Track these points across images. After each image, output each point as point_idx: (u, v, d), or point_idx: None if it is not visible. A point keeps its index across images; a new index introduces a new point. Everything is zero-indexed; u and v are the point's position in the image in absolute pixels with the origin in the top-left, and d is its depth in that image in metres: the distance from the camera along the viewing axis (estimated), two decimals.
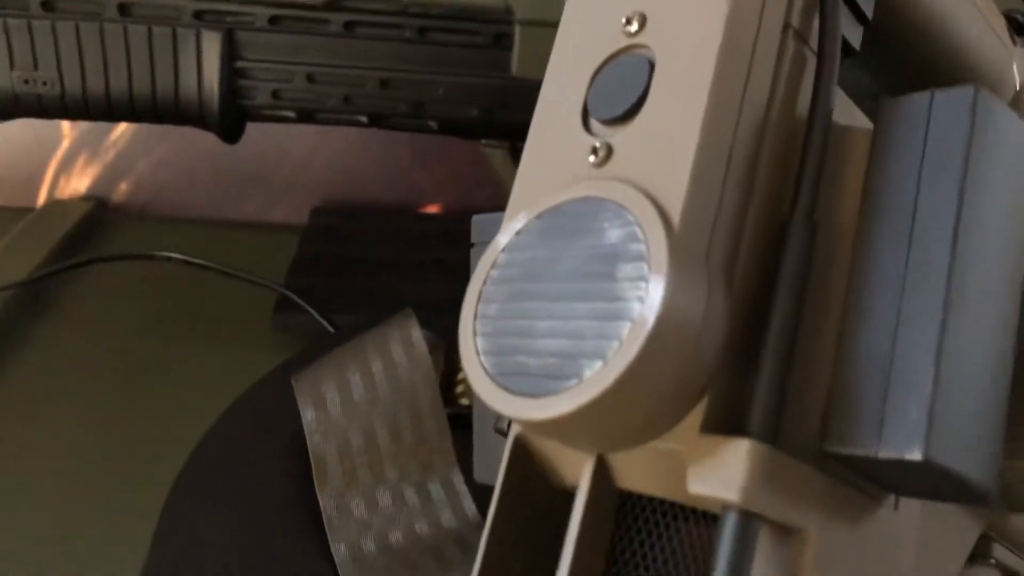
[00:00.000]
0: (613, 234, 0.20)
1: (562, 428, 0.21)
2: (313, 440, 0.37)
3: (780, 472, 0.21)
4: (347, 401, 0.38)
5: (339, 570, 0.36)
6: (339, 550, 0.36)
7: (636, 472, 0.23)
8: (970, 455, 0.21)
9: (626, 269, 0.20)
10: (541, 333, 0.21)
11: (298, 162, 0.67)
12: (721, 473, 0.20)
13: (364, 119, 0.50)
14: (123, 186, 0.68)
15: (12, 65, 0.49)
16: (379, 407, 0.38)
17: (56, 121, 0.67)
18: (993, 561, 0.32)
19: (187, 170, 0.67)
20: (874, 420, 0.20)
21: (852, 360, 0.21)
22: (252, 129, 0.54)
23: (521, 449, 0.25)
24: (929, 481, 0.21)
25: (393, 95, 0.49)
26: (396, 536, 0.36)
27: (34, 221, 0.63)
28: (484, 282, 0.22)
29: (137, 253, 0.55)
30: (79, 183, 0.68)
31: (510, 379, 0.21)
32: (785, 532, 0.22)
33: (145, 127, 0.66)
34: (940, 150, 0.21)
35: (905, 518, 0.25)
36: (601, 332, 0.20)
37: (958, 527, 0.29)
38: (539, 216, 0.22)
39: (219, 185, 0.68)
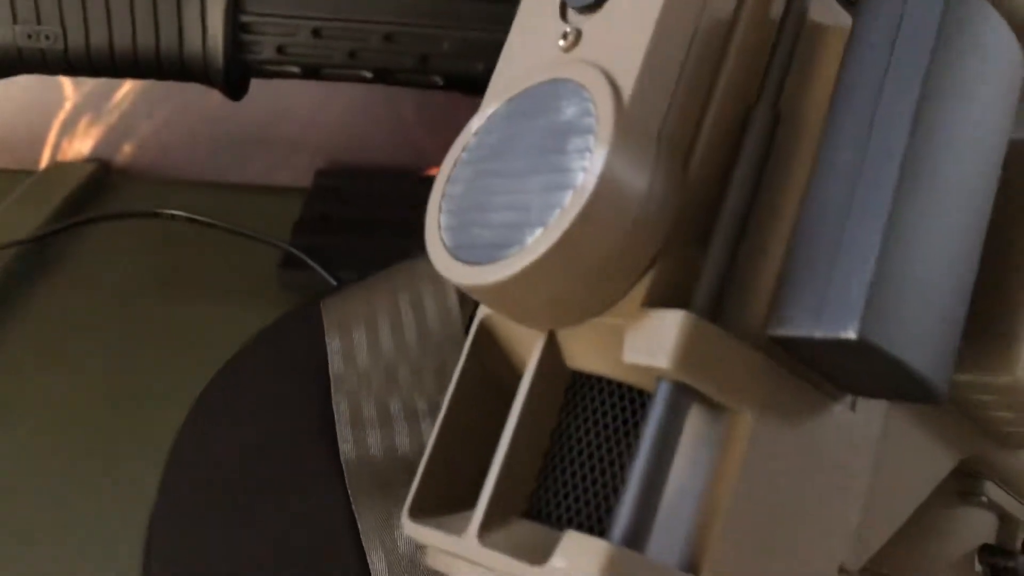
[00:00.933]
0: (570, 111, 0.21)
1: (507, 296, 0.22)
2: (334, 363, 0.37)
3: (716, 347, 0.21)
4: (373, 345, 0.38)
5: (345, 472, 0.35)
6: (346, 451, 0.36)
7: (585, 350, 0.23)
8: (918, 346, 0.21)
9: (576, 142, 0.20)
10: (496, 207, 0.21)
11: (302, 124, 0.67)
12: (653, 341, 0.21)
13: (369, 74, 0.50)
14: (126, 148, 0.67)
15: (15, 19, 0.48)
16: (405, 356, 0.38)
17: (58, 83, 0.66)
18: (985, 500, 0.31)
19: (191, 132, 0.67)
20: (815, 302, 0.20)
21: (802, 246, 0.21)
22: (256, 91, 0.54)
23: (483, 333, 0.25)
24: (873, 369, 0.21)
25: (398, 49, 0.49)
26: (403, 443, 0.36)
27: (36, 182, 0.62)
28: (454, 165, 0.23)
29: (141, 211, 0.55)
30: (82, 145, 0.67)
31: (464, 251, 0.22)
32: (719, 411, 0.22)
33: (148, 89, 0.66)
34: (910, 41, 0.21)
35: (864, 423, 0.25)
36: (546, 202, 0.20)
37: (929, 453, 0.28)
38: (509, 100, 0.22)
39: (223, 147, 0.67)
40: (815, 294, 0.21)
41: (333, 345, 0.38)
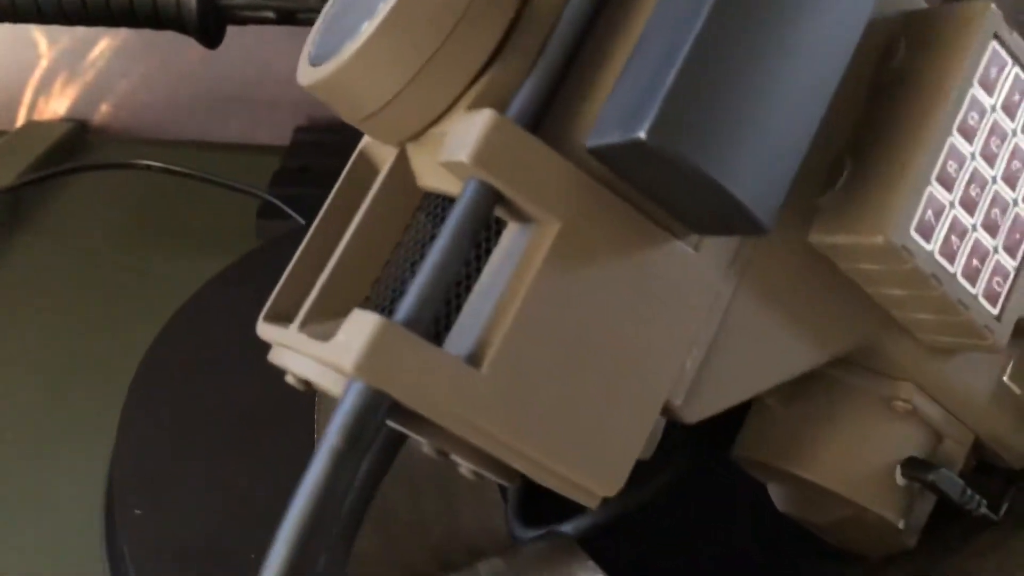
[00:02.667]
0: None
1: (343, 92, 0.23)
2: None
3: (522, 152, 0.21)
4: None
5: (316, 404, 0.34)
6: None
7: (427, 166, 0.24)
8: (727, 165, 0.21)
9: None
10: (351, 12, 0.23)
11: (281, 82, 0.66)
12: (462, 139, 0.21)
13: None
14: (103, 107, 0.66)
15: None
16: None
17: (32, 40, 0.65)
18: (909, 407, 0.31)
19: (169, 90, 0.66)
20: (620, 113, 0.21)
21: (630, 64, 0.22)
22: (235, 48, 0.53)
23: (361, 160, 0.28)
24: (693, 193, 0.21)
25: None
26: None
27: (10, 141, 0.62)
28: None
29: (116, 162, 0.54)
30: (58, 105, 0.66)
31: (317, 58, 0.24)
32: (526, 221, 0.23)
33: (125, 46, 0.65)
34: None
35: (705, 266, 0.25)
36: (383, 1, 0.22)
37: (806, 326, 0.27)
38: None
39: (202, 105, 0.66)
40: (623, 107, 0.21)
41: None
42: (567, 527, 0.36)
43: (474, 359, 0.22)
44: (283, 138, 0.64)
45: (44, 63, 0.66)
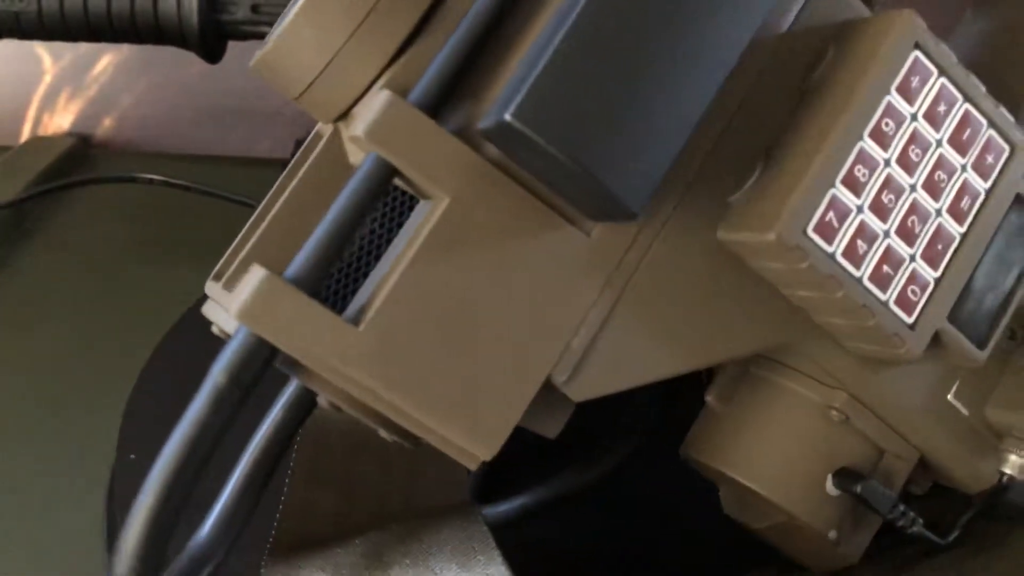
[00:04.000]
0: None
1: (277, 69, 0.26)
2: None
3: (417, 132, 0.24)
4: None
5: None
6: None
7: (351, 144, 0.26)
8: (592, 149, 0.22)
9: None
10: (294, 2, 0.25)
11: (280, 95, 0.66)
12: (363, 117, 0.23)
13: None
14: (107, 121, 0.67)
15: None
16: None
17: (37, 56, 0.66)
18: (843, 417, 0.31)
19: (171, 104, 0.67)
20: (501, 100, 0.23)
21: (527, 53, 0.23)
22: (235, 62, 0.53)
23: (314, 138, 0.29)
24: (567, 177, 0.23)
25: None
26: None
27: (14, 156, 0.62)
28: None
29: (118, 176, 0.55)
30: (62, 120, 0.67)
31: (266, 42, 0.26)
32: (426, 197, 0.25)
33: (127, 61, 0.66)
34: None
35: (598, 250, 0.26)
36: None
37: (716, 320, 0.28)
38: None
39: (203, 119, 0.67)
40: (505, 92, 0.23)
41: None
42: (504, 506, 0.37)
43: (357, 318, 0.24)
44: (283, 151, 0.64)
45: (48, 79, 0.67)
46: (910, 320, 0.28)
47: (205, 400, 0.24)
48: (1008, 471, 0.31)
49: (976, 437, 0.32)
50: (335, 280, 0.26)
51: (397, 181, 0.24)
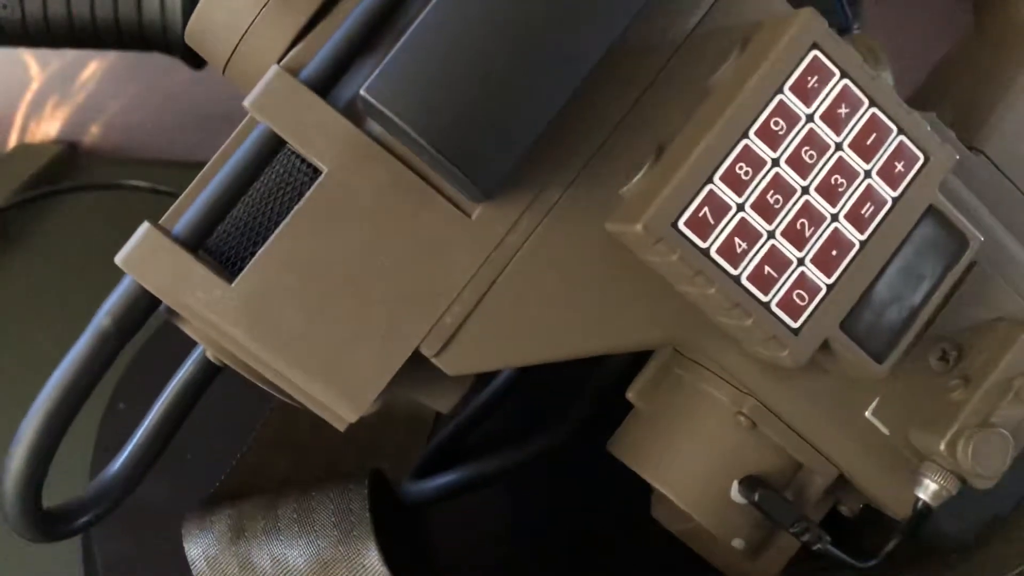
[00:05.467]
0: None
1: (199, 36, 0.28)
2: None
3: (300, 105, 0.25)
4: None
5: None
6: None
7: None
8: (442, 125, 0.24)
9: None
10: None
11: None
12: (255, 89, 0.25)
13: None
14: (94, 128, 0.67)
15: None
16: None
17: (24, 63, 0.66)
18: (749, 422, 0.30)
19: (158, 111, 0.67)
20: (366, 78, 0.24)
21: (406, 31, 0.25)
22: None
23: None
24: (417, 148, 0.25)
25: None
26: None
27: (2, 162, 0.62)
28: None
29: (106, 183, 0.55)
30: (49, 127, 0.67)
31: None
32: (304, 163, 0.26)
33: (114, 67, 0.66)
34: None
35: (476, 230, 0.27)
36: None
37: (605, 310, 0.28)
38: None
39: (191, 125, 0.67)
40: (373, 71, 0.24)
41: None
42: (442, 479, 0.39)
43: (234, 276, 0.26)
44: None
45: (35, 86, 0.66)
46: (795, 325, 0.27)
47: (89, 340, 0.26)
48: (922, 496, 0.30)
49: (900, 460, 0.30)
50: (244, 244, 0.27)
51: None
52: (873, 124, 0.27)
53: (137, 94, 0.67)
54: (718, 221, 0.26)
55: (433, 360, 0.27)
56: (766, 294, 0.27)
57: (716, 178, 0.26)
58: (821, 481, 0.31)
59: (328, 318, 0.26)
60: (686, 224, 0.26)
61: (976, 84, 0.33)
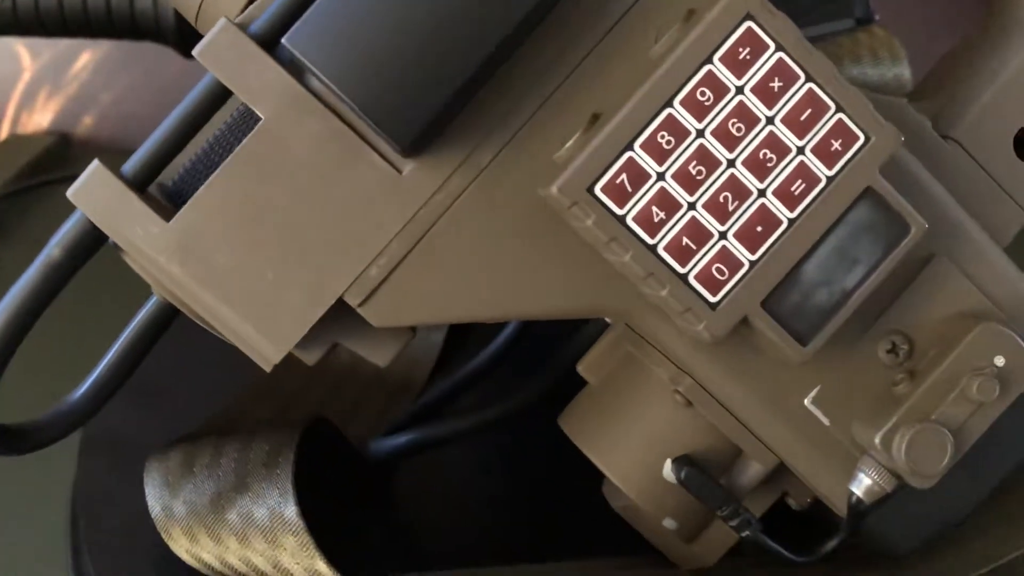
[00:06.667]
0: None
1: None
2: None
3: (245, 55, 0.26)
4: None
5: None
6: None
7: None
8: (366, 82, 0.25)
9: None
10: None
11: None
12: (204, 38, 0.26)
13: None
14: (86, 119, 0.67)
15: None
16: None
17: (15, 53, 0.66)
18: (684, 399, 0.30)
19: (151, 102, 0.66)
20: None
21: None
22: None
23: None
24: (340, 99, 0.26)
25: None
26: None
27: None
28: None
29: None
30: (42, 118, 0.67)
31: None
32: (252, 117, 0.27)
33: (107, 57, 0.65)
34: None
35: (406, 187, 0.27)
36: None
37: (539, 275, 0.28)
38: None
39: None
40: None
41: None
42: (402, 437, 0.40)
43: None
44: None
45: (27, 76, 0.66)
46: (713, 299, 0.26)
47: (38, 268, 0.29)
48: (856, 491, 0.29)
49: (842, 453, 0.29)
50: (197, 188, 0.28)
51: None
52: (809, 100, 0.26)
53: (130, 85, 0.66)
54: (636, 189, 0.26)
55: (358, 310, 0.28)
56: (683, 266, 0.26)
57: (636, 146, 0.26)
58: (760, 468, 0.31)
59: (258, 260, 0.27)
60: (602, 190, 0.26)
61: (969, 77, 0.33)
